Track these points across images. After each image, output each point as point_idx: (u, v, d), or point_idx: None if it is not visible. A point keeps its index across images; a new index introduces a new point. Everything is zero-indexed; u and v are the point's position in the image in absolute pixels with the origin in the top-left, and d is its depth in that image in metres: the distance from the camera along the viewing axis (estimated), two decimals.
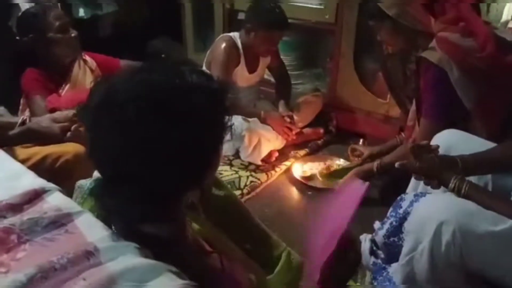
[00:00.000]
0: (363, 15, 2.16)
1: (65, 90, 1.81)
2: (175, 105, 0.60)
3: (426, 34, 1.53)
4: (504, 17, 2.74)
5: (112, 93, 0.61)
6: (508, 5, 2.60)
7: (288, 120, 2.23)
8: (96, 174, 1.31)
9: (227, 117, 0.67)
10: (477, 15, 1.51)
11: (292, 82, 2.51)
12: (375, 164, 1.79)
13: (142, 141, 0.59)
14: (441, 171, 1.18)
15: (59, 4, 2.61)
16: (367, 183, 1.07)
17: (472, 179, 1.24)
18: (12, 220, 0.72)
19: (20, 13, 2.04)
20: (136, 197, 0.62)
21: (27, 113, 1.78)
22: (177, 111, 0.60)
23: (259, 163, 2.14)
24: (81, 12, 2.74)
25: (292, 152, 2.26)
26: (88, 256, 0.63)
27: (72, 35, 1.77)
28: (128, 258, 0.63)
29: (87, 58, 1.92)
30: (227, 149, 2.16)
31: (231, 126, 0.68)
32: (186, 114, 0.60)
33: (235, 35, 2.22)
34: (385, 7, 1.56)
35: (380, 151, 1.96)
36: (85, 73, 1.87)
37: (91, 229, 0.70)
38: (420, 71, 1.54)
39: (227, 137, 2.17)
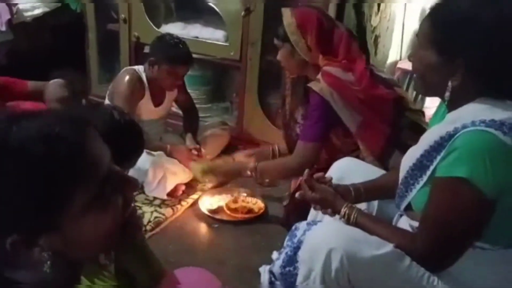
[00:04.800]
0: (266, 51, 2.29)
1: None
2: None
3: (315, 67, 1.70)
4: (392, 58, 3.05)
5: None
6: (394, 47, 2.91)
7: (195, 152, 2.23)
8: None
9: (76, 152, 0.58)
10: (360, 55, 1.70)
11: (200, 115, 2.52)
12: (251, 165, 1.85)
13: None
14: (334, 200, 1.25)
15: None
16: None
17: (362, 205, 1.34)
18: None
19: None
20: None
21: None
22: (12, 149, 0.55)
23: (165, 197, 2.09)
24: None
25: (199, 185, 2.24)
26: None
27: None
28: None
29: None
30: None
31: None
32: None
33: (139, 68, 2.20)
34: (288, 32, 1.68)
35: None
36: None
37: None
38: (309, 99, 1.71)
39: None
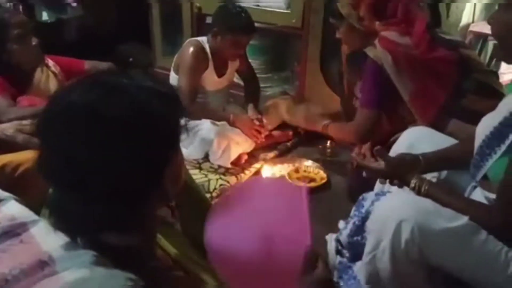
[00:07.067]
0: (328, 17, 2.22)
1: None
2: (118, 111, 0.60)
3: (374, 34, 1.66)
4: (465, 21, 2.85)
5: (58, 103, 0.61)
6: (467, 9, 2.71)
7: (257, 123, 2.25)
8: None
9: (175, 119, 0.68)
10: (419, 15, 1.64)
11: (261, 85, 2.53)
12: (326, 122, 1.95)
13: (89, 148, 0.60)
14: (404, 172, 1.22)
15: (20, 7, 2.56)
16: (305, 185, 0.93)
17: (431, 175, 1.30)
18: None
19: None
20: (91, 204, 0.62)
21: None
22: (119, 117, 0.60)
23: (229, 166, 2.14)
24: (45, 16, 2.68)
25: (261, 155, 2.27)
26: (43, 266, 0.62)
27: (33, 43, 1.73)
28: (85, 267, 0.62)
29: (50, 62, 1.88)
30: (195, 152, 2.15)
31: (184, 127, 0.69)
32: (125, 119, 0.61)
33: (203, 39, 2.22)
34: (340, 6, 1.67)
35: None
36: (48, 78, 1.83)
37: (47, 238, 0.69)
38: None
39: (195, 140, 2.15)
